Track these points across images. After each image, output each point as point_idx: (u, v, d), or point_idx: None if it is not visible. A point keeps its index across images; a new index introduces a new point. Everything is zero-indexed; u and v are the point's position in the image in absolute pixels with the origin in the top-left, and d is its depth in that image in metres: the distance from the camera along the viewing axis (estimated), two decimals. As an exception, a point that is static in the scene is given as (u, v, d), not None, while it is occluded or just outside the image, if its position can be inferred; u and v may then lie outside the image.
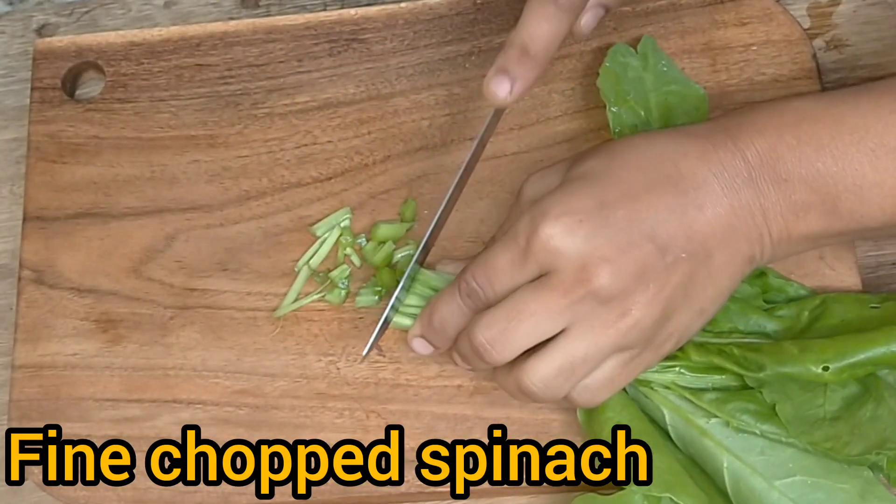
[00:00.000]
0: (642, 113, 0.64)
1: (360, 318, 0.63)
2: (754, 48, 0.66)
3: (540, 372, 0.53)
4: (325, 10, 0.72)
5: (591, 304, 0.52)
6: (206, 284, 0.65)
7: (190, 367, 0.63)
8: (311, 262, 0.64)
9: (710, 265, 0.53)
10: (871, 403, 0.55)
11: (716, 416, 0.56)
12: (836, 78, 0.67)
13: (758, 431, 0.55)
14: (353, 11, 0.70)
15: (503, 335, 0.53)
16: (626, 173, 0.54)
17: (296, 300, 0.64)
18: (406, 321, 0.59)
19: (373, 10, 0.70)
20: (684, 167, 0.53)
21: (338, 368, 0.62)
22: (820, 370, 0.54)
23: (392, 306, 0.58)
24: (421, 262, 0.60)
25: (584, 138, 0.65)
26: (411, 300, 0.59)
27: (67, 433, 0.62)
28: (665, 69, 0.65)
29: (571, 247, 0.52)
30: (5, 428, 0.63)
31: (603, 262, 0.51)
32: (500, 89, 0.56)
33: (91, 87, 0.71)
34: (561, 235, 0.52)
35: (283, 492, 0.60)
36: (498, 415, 0.60)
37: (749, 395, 0.56)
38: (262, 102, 0.68)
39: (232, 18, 0.74)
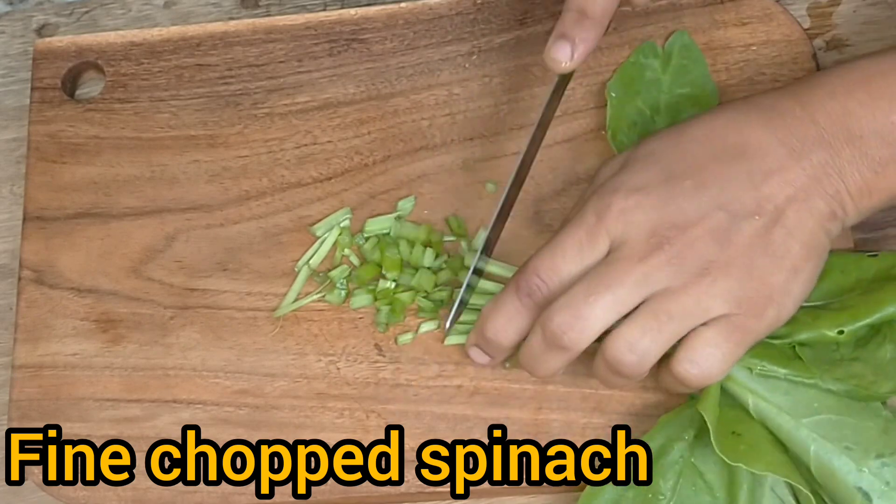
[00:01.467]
0: (648, 112, 0.64)
1: (361, 318, 0.63)
2: (754, 48, 0.66)
3: (624, 334, 0.52)
4: (325, 10, 0.72)
5: (667, 271, 0.52)
6: (206, 284, 0.65)
7: (190, 367, 0.63)
8: (311, 262, 0.64)
9: (787, 223, 0.53)
10: (889, 344, 0.56)
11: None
12: (835, 78, 0.67)
13: (780, 375, 0.56)
14: (353, 11, 0.70)
15: (581, 313, 0.52)
16: (691, 146, 0.55)
17: (296, 300, 0.64)
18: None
19: (373, 10, 0.70)
20: (749, 136, 0.54)
21: (338, 368, 0.62)
22: (835, 334, 0.56)
23: (463, 293, 0.58)
24: (489, 254, 0.59)
25: (584, 138, 0.65)
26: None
27: (67, 433, 0.62)
28: (687, 65, 0.65)
29: (642, 217, 0.53)
30: (5, 428, 0.63)
31: (673, 228, 0.52)
32: (562, 54, 0.56)
33: (91, 87, 0.71)
34: (631, 209, 0.53)
35: (283, 492, 0.60)
36: (498, 415, 0.60)
37: (766, 343, 0.56)
38: (262, 102, 0.68)
39: (232, 18, 0.74)
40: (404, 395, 0.61)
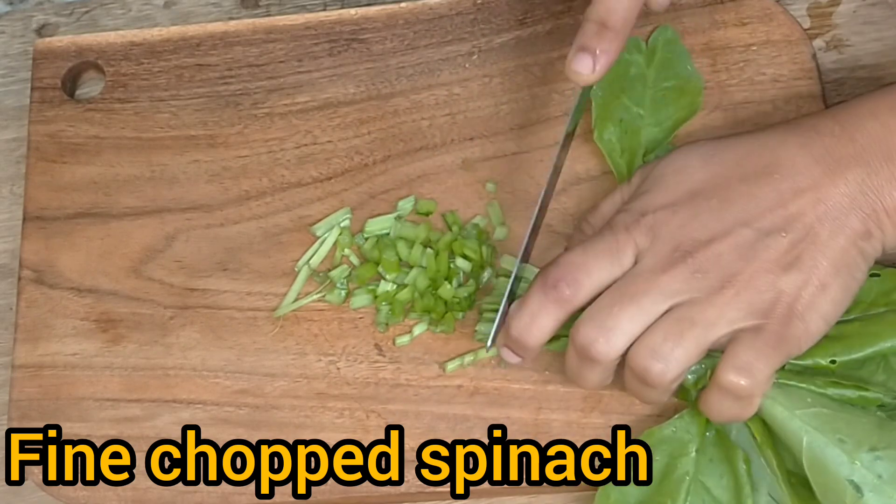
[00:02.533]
0: (633, 108, 0.64)
1: (361, 317, 0.63)
2: (754, 48, 0.66)
3: (646, 341, 0.52)
4: (325, 10, 0.72)
5: (690, 283, 0.52)
6: (206, 284, 0.65)
7: (190, 367, 0.63)
8: (310, 262, 0.64)
9: (817, 240, 0.53)
10: (882, 375, 0.57)
11: None
12: (836, 78, 0.67)
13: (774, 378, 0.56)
14: (353, 11, 0.70)
15: (607, 324, 0.53)
16: (720, 169, 0.55)
17: (296, 300, 0.64)
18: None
19: (373, 10, 0.70)
20: (782, 155, 0.54)
21: (338, 368, 0.62)
22: (827, 362, 0.56)
23: (505, 303, 0.57)
24: (525, 260, 0.59)
25: (584, 138, 0.65)
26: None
27: (67, 433, 0.62)
28: (671, 59, 0.65)
29: (667, 233, 0.53)
30: (5, 428, 0.63)
31: (697, 243, 0.53)
32: (583, 66, 0.56)
33: (91, 87, 0.71)
34: (659, 224, 0.54)
35: (283, 492, 0.60)
36: (498, 415, 0.60)
37: None
38: (262, 102, 0.68)
39: (232, 18, 0.74)
40: (404, 395, 0.61)
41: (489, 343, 0.57)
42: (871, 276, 0.57)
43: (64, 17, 0.75)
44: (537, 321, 0.55)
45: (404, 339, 0.62)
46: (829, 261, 0.53)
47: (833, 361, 0.56)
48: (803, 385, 0.56)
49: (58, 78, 0.70)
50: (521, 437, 0.59)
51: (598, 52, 0.56)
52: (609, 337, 0.53)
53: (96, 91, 0.70)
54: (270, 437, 0.61)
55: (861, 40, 0.68)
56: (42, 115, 0.69)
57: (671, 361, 0.52)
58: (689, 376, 0.56)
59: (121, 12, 0.75)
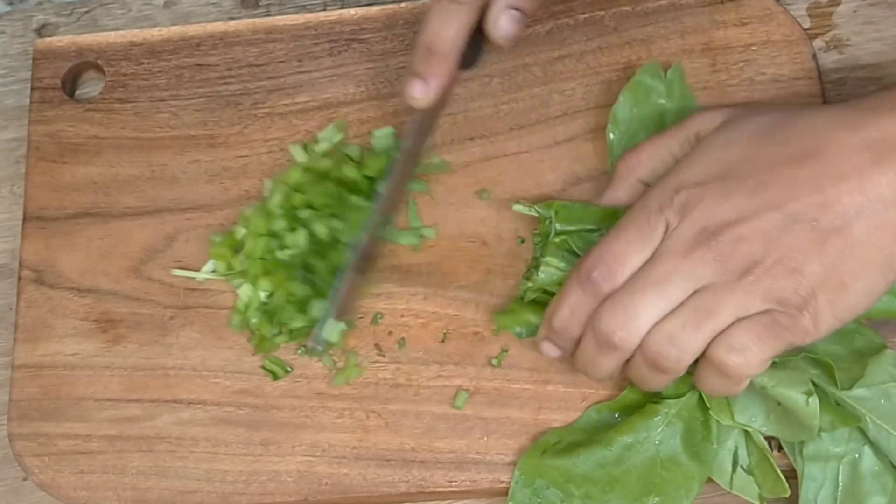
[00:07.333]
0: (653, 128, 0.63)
1: (360, 318, 0.63)
2: (754, 48, 0.66)
3: (665, 328, 0.52)
4: (325, 10, 0.72)
5: (712, 267, 0.51)
6: (206, 284, 0.65)
7: (190, 366, 0.63)
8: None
9: (848, 236, 0.50)
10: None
11: None
12: (836, 78, 0.67)
13: None
14: (353, 11, 0.70)
15: (629, 311, 0.52)
16: (763, 150, 0.53)
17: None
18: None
19: (373, 10, 0.70)
20: (831, 138, 0.52)
21: (338, 368, 0.62)
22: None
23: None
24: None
25: (584, 138, 0.65)
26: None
27: (67, 433, 0.62)
28: (687, 94, 0.64)
29: (698, 213, 0.52)
30: (5, 428, 0.63)
31: (724, 225, 0.51)
32: (415, 90, 0.58)
33: (91, 87, 0.71)
34: (691, 203, 0.52)
35: (283, 491, 0.60)
36: (498, 415, 0.60)
37: None
38: (262, 102, 0.68)
39: (232, 18, 0.74)
40: (404, 395, 0.61)
41: (310, 344, 0.60)
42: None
43: (64, 17, 0.75)
44: (576, 315, 0.55)
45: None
46: (857, 260, 0.51)
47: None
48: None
49: (58, 78, 0.70)
50: (521, 437, 0.59)
51: (427, 76, 0.57)
52: (632, 325, 0.52)
53: (96, 91, 0.70)
54: (270, 437, 0.61)
55: (861, 40, 0.68)
56: (42, 115, 0.69)
57: (686, 349, 0.52)
58: None
59: (121, 12, 0.75)
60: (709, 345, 0.52)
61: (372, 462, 0.60)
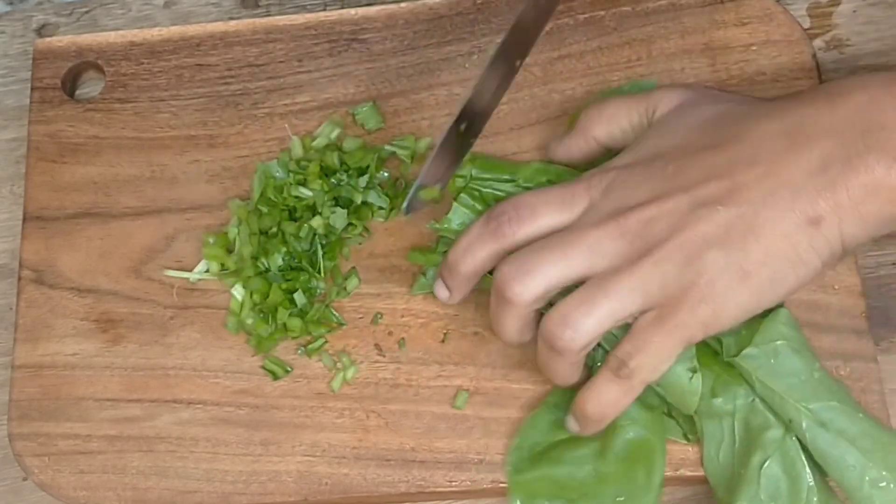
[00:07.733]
0: None
1: (360, 317, 0.63)
2: (754, 48, 0.66)
3: (560, 308, 0.52)
4: (325, 10, 0.72)
5: (617, 243, 0.51)
6: (206, 284, 0.65)
7: (190, 367, 0.63)
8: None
9: (753, 222, 0.50)
10: None
11: None
12: (836, 78, 0.67)
13: None
14: (353, 11, 0.70)
15: (524, 264, 0.52)
16: (694, 135, 0.54)
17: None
18: None
19: (373, 10, 0.70)
20: (752, 125, 0.52)
21: (338, 368, 0.62)
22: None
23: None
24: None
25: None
26: None
27: (67, 433, 0.62)
28: None
29: (618, 193, 0.53)
30: (5, 428, 0.63)
31: (637, 205, 0.52)
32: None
33: (91, 87, 0.71)
34: (615, 184, 0.53)
35: (283, 491, 0.60)
36: (498, 415, 0.60)
37: None
38: (262, 102, 0.68)
39: (232, 18, 0.74)
40: (404, 395, 0.61)
41: (405, 206, 0.59)
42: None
43: (64, 17, 0.75)
44: (471, 250, 0.55)
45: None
46: (762, 248, 0.50)
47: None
48: None
49: (58, 78, 0.70)
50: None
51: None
52: (527, 279, 0.52)
53: (96, 91, 0.70)
54: (270, 437, 0.61)
55: (861, 40, 0.68)
56: (42, 115, 0.69)
57: (579, 330, 0.51)
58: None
59: (121, 12, 0.75)
60: (617, 348, 0.52)
61: (372, 462, 0.60)
